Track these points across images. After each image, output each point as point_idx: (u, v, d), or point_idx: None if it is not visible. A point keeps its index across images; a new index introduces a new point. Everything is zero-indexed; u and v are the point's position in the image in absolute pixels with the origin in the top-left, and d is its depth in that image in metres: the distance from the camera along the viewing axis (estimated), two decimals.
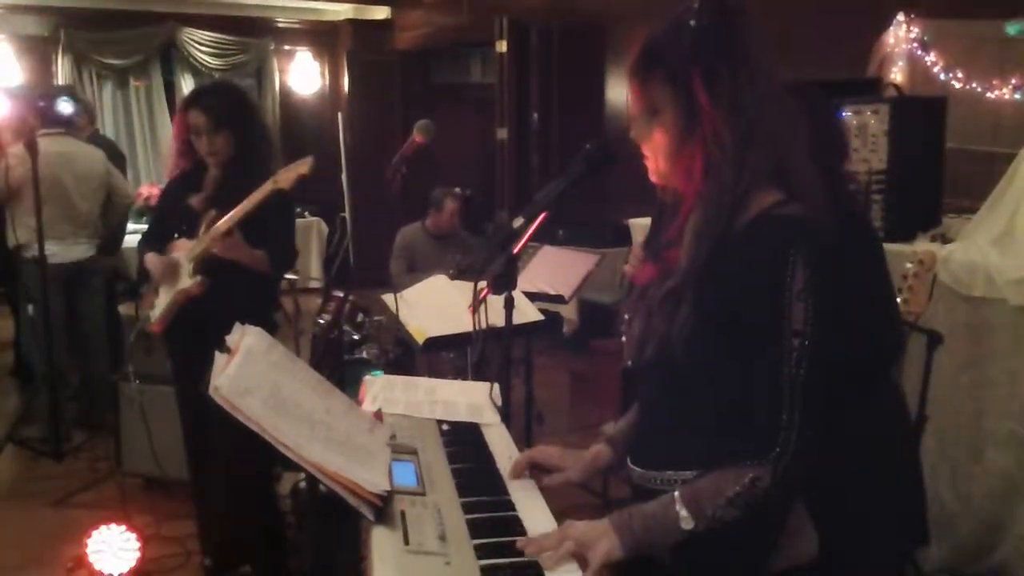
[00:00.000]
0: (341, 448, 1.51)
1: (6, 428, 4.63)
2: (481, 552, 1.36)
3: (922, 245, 3.28)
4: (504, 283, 1.83)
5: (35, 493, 4.18)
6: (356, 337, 4.56)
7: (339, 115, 7.13)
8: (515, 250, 1.79)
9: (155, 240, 3.14)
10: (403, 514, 1.41)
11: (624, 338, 1.52)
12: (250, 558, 3.24)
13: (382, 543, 1.34)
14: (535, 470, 1.67)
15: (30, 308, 4.79)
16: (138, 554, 3.18)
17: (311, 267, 8.44)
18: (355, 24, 9.63)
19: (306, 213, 8.45)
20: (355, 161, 5.86)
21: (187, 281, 2.97)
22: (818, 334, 1.31)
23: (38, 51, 8.49)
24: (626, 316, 1.52)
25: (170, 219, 3.12)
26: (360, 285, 4.39)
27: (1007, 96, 4.10)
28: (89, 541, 3.14)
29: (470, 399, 1.99)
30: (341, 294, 4.33)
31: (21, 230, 4.59)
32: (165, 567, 3.43)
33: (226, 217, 2.87)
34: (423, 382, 2.09)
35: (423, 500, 1.48)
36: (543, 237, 3.48)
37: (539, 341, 4.21)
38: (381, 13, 9.54)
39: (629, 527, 1.36)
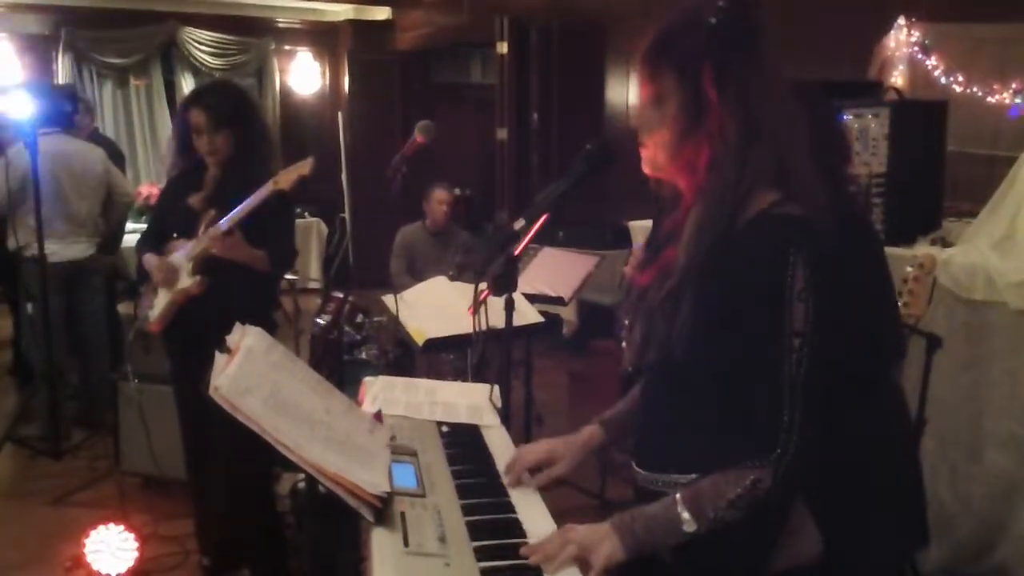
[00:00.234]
0: (341, 449, 1.50)
1: (5, 427, 4.63)
2: (481, 554, 1.35)
3: (922, 248, 3.28)
4: (504, 284, 1.83)
5: (34, 492, 4.18)
6: (356, 338, 4.56)
7: (339, 115, 7.13)
8: (516, 252, 1.79)
9: (154, 240, 3.14)
10: (403, 515, 1.41)
11: (624, 343, 1.52)
12: (249, 558, 3.23)
13: (382, 544, 1.34)
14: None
15: (29, 307, 4.79)
16: (136, 554, 3.17)
17: (311, 267, 8.44)
18: (355, 24, 9.64)
19: (306, 213, 8.45)
20: (355, 161, 5.86)
21: (186, 281, 2.97)
22: (819, 334, 1.31)
23: (38, 50, 8.49)
24: (626, 321, 1.52)
25: (169, 219, 3.12)
26: (360, 285, 4.38)
27: (1008, 100, 4.10)
28: (87, 541, 3.14)
29: (470, 401, 1.99)
30: (341, 295, 4.33)
31: (22, 231, 4.60)
32: (163, 567, 3.42)
33: (226, 217, 2.87)
34: (423, 383, 2.09)
35: (423, 502, 1.48)
36: (543, 238, 3.47)
37: (538, 342, 4.21)
38: (381, 13, 9.54)
39: (631, 529, 1.36)
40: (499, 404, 1.97)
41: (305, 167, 2.83)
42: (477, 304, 1.84)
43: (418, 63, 9.38)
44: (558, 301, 3.83)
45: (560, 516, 1.50)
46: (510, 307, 2.03)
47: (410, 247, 5.28)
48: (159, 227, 3.17)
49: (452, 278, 3.85)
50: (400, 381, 2.08)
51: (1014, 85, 4.07)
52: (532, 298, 3.51)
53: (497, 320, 1.97)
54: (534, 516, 1.51)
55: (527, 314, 3.21)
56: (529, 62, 7.25)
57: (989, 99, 4.15)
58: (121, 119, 9.05)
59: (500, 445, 1.81)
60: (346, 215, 5.65)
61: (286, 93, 9.84)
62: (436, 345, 3.11)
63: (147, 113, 9.19)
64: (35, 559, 3.55)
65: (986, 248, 3.11)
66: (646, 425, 1.56)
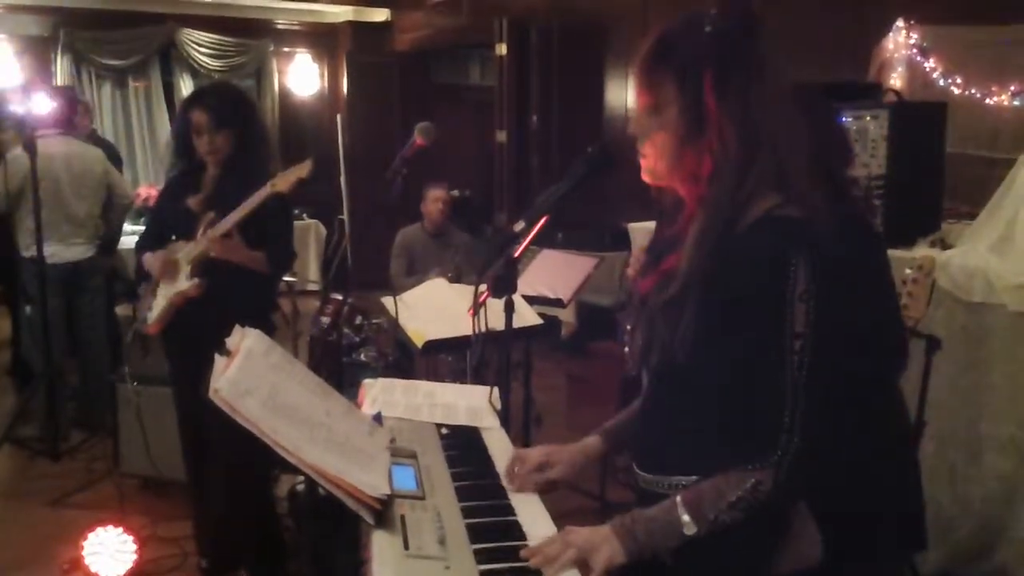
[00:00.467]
0: (340, 451, 1.50)
1: (3, 427, 4.62)
2: (481, 556, 1.35)
3: (921, 250, 3.28)
4: (504, 286, 1.83)
5: (32, 493, 4.17)
6: (355, 340, 4.56)
7: (338, 117, 7.13)
8: (516, 254, 1.79)
9: (153, 241, 3.14)
10: (403, 518, 1.41)
11: (627, 348, 1.52)
12: (247, 560, 3.23)
13: (382, 547, 1.34)
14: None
15: (28, 308, 4.78)
16: (135, 556, 3.17)
17: (309, 269, 8.43)
18: (354, 26, 9.64)
19: (304, 215, 8.45)
20: (354, 163, 5.87)
21: (184, 283, 2.97)
22: (820, 336, 1.31)
23: (37, 51, 8.48)
24: (628, 327, 1.52)
25: (168, 220, 3.12)
26: (359, 287, 4.38)
27: (1006, 102, 4.10)
28: (86, 542, 3.14)
29: (469, 403, 1.99)
30: (340, 296, 4.33)
31: (22, 233, 4.59)
32: (162, 568, 3.42)
33: (225, 219, 2.87)
34: (422, 385, 2.09)
35: (423, 504, 1.48)
36: (542, 240, 3.47)
37: (537, 344, 4.20)
38: (380, 15, 9.55)
39: (631, 532, 1.36)
40: (499, 406, 1.97)
41: (303, 169, 2.83)
42: (477, 306, 1.84)
43: (417, 65, 9.38)
44: (557, 303, 3.83)
45: (560, 518, 1.50)
46: (510, 309, 2.03)
47: (409, 249, 5.28)
48: (158, 229, 3.17)
49: (451, 280, 3.86)
50: (399, 383, 2.08)
51: (1012, 87, 4.07)
52: (531, 300, 3.51)
53: (496, 322, 1.97)
54: (534, 518, 1.51)
55: (526, 316, 3.21)
56: (528, 64, 7.26)
57: (988, 101, 4.16)
58: (120, 121, 9.05)
59: (500, 447, 1.81)
60: (345, 217, 5.65)
61: (285, 95, 9.83)
62: (435, 347, 3.11)
63: (146, 115, 9.19)
64: (33, 560, 3.54)
65: (985, 250, 3.12)
66: (648, 428, 1.56)
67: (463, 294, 3.19)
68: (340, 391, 1.77)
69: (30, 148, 4.31)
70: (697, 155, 1.36)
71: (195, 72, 9.18)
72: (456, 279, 4.17)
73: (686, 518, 1.33)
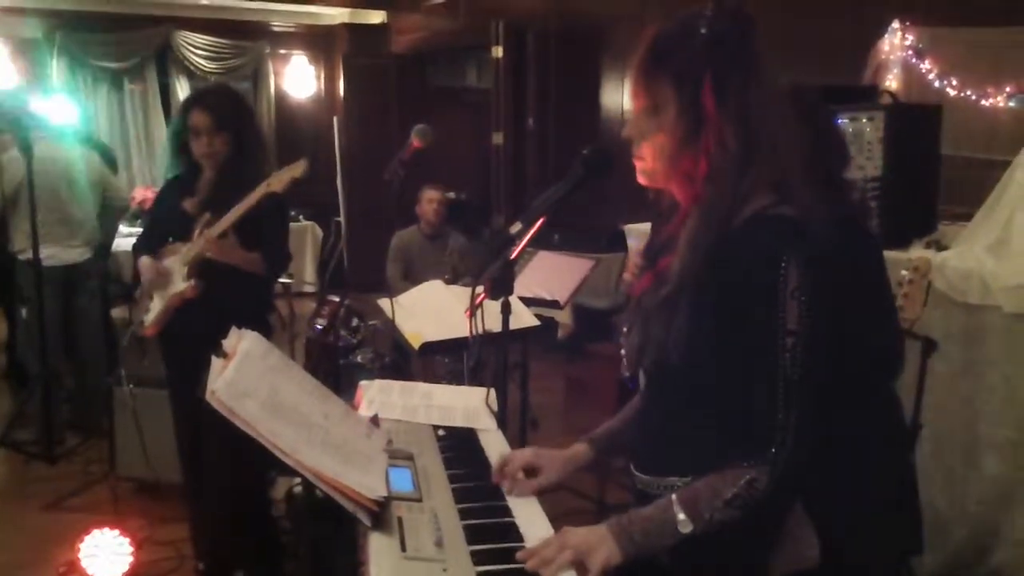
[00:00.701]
0: (338, 453, 1.50)
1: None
2: (478, 558, 1.35)
3: (917, 252, 3.29)
4: (501, 288, 1.83)
5: (28, 496, 4.17)
6: (352, 341, 4.55)
7: (335, 119, 7.12)
8: (512, 255, 1.79)
9: (149, 244, 3.13)
10: (400, 520, 1.41)
11: (623, 350, 1.52)
12: (244, 563, 3.22)
13: (379, 549, 1.34)
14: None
15: (24, 311, 4.77)
16: (131, 558, 3.16)
17: (306, 271, 8.43)
18: (351, 28, 9.64)
19: (301, 217, 8.44)
20: (350, 165, 5.87)
21: (181, 284, 2.97)
22: (813, 334, 1.31)
23: (33, 53, 8.47)
24: (624, 328, 1.52)
25: (164, 223, 3.12)
26: (355, 289, 4.38)
27: (1002, 103, 4.11)
28: (82, 545, 3.13)
29: (466, 404, 1.99)
30: (337, 298, 4.33)
31: (19, 236, 4.59)
32: (158, 571, 3.41)
33: (221, 220, 2.86)
34: (419, 387, 2.09)
35: (420, 506, 1.48)
36: (539, 242, 3.47)
37: (534, 345, 4.20)
38: (377, 17, 9.55)
39: (627, 532, 1.36)
40: (495, 408, 1.97)
41: (298, 169, 2.83)
42: (474, 307, 1.84)
43: (414, 67, 9.38)
44: (554, 304, 3.83)
45: (557, 520, 1.50)
46: (507, 310, 2.03)
47: (406, 251, 5.28)
48: (155, 231, 3.17)
49: (448, 281, 3.86)
50: (396, 385, 2.07)
51: (1008, 88, 4.08)
52: (528, 301, 3.51)
53: (493, 323, 1.97)
54: (531, 520, 1.51)
55: (523, 317, 3.21)
56: (525, 66, 7.26)
57: (983, 102, 4.17)
58: (116, 123, 9.03)
59: (497, 449, 1.81)
60: (341, 219, 5.65)
61: (281, 97, 9.83)
62: (432, 349, 3.11)
63: (142, 117, 9.18)
64: (29, 563, 3.53)
65: (981, 251, 3.12)
66: (644, 429, 1.57)
67: (460, 296, 3.19)
68: (337, 393, 1.77)
69: (26, 150, 4.31)
70: (694, 156, 1.37)
71: (191, 74, 9.17)
72: (453, 280, 4.17)
73: (682, 516, 1.34)
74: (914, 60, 4.43)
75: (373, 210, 5.08)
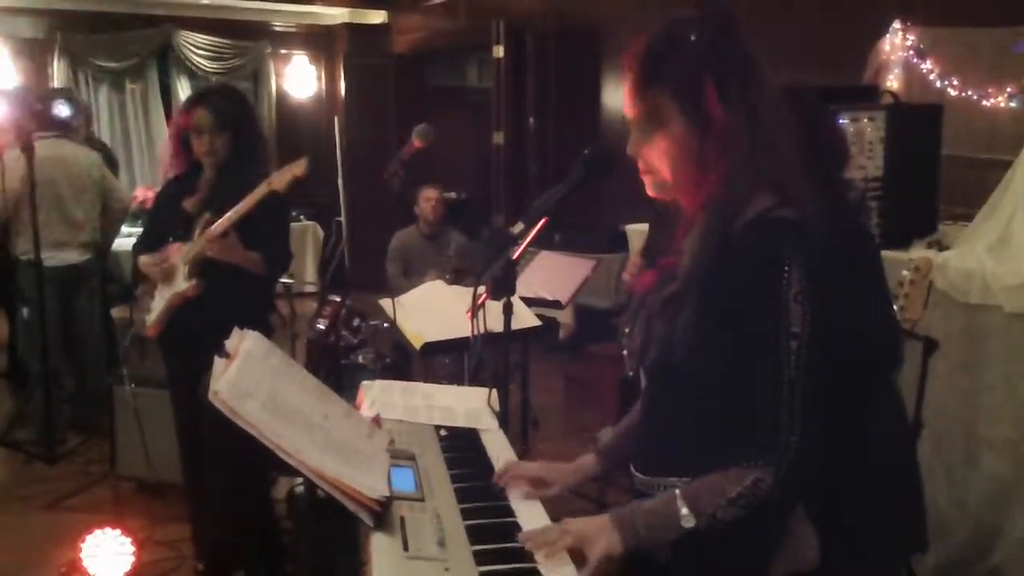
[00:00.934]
0: (340, 453, 1.50)
1: (0, 431, 4.62)
2: (480, 558, 1.36)
3: (918, 252, 3.29)
4: (503, 288, 1.83)
5: (28, 496, 4.17)
6: (353, 341, 4.55)
7: (335, 119, 7.12)
8: (514, 256, 1.79)
9: (150, 243, 3.13)
10: (402, 520, 1.41)
11: (625, 351, 1.52)
12: (245, 563, 3.23)
13: (381, 549, 1.34)
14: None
15: (25, 311, 4.77)
16: (132, 558, 3.16)
17: (307, 271, 8.43)
18: (351, 28, 9.63)
19: (302, 216, 8.44)
20: (351, 165, 5.84)
21: (182, 284, 2.97)
22: (815, 336, 1.31)
23: (34, 53, 8.46)
24: (626, 330, 1.52)
25: (165, 222, 3.12)
26: (356, 289, 4.38)
27: (1003, 103, 4.11)
28: (83, 545, 3.13)
29: (468, 404, 1.99)
30: (338, 298, 4.33)
31: (20, 237, 4.58)
32: (159, 571, 3.41)
33: (222, 219, 2.86)
34: (421, 387, 2.09)
35: (422, 506, 1.48)
36: (540, 242, 3.48)
37: (535, 345, 4.20)
38: (377, 17, 9.55)
39: (630, 523, 1.37)
40: (497, 408, 1.97)
41: (299, 167, 2.83)
42: (476, 307, 1.84)
43: (414, 67, 9.38)
44: (555, 305, 3.83)
45: (558, 520, 1.50)
46: (508, 311, 2.03)
47: (405, 251, 5.28)
48: (155, 230, 3.17)
49: (449, 281, 3.86)
50: (398, 385, 2.08)
51: (1009, 88, 4.08)
52: (529, 302, 3.51)
53: (495, 323, 1.98)
54: (533, 520, 1.51)
55: (524, 318, 3.22)
56: (525, 66, 7.26)
57: (984, 102, 4.16)
58: (117, 123, 9.03)
59: (498, 449, 1.81)
60: (342, 218, 5.65)
61: (282, 97, 9.83)
62: (434, 348, 3.11)
63: (143, 117, 9.17)
64: (30, 564, 3.54)
65: (982, 252, 3.12)
66: (645, 430, 1.57)
67: (461, 296, 3.19)
68: (338, 393, 1.78)
69: (27, 150, 4.31)
70: (704, 162, 1.36)
71: (192, 74, 9.17)
72: (454, 280, 4.17)
73: (685, 511, 1.34)
74: (915, 60, 4.43)
75: (374, 210, 5.07)
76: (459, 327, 2.98)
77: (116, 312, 5.25)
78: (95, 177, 4.87)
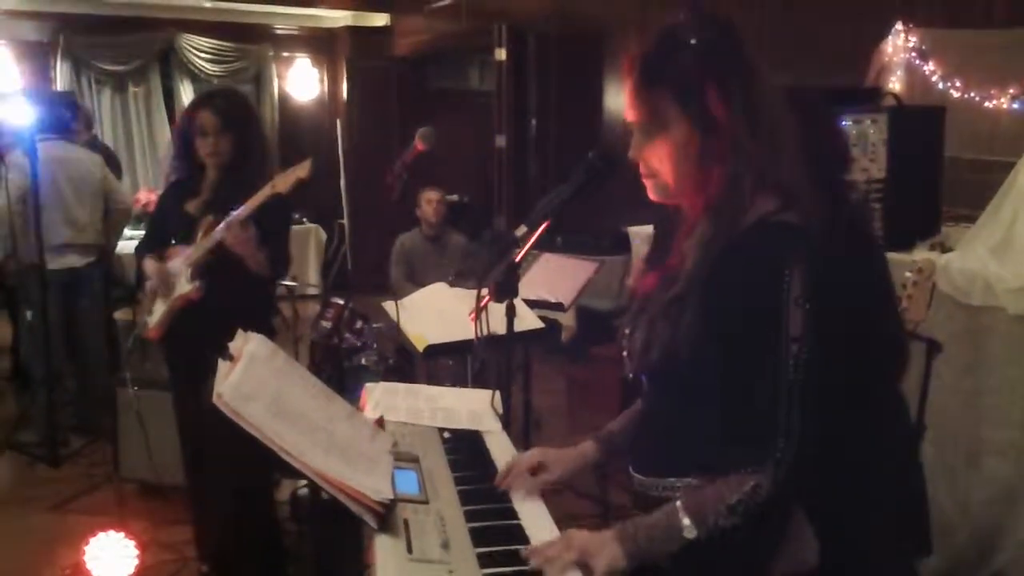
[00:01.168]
0: (343, 455, 1.51)
1: (3, 433, 4.62)
2: (484, 560, 1.36)
3: (921, 253, 3.29)
4: (506, 290, 1.83)
5: (32, 498, 4.17)
6: (356, 344, 4.55)
7: (337, 121, 7.12)
8: (517, 258, 1.79)
9: (153, 246, 3.14)
10: (406, 522, 1.41)
11: (625, 352, 1.52)
12: (247, 565, 3.22)
13: (385, 551, 1.34)
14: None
15: (28, 314, 4.78)
16: (136, 561, 3.17)
17: (309, 273, 8.43)
18: (354, 31, 9.64)
19: (304, 219, 8.45)
20: (353, 167, 5.85)
21: (185, 286, 2.97)
22: (816, 340, 1.32)
23: (37, 56, 8.48)
24: (626, 331, 1.52)
25: (167, 224, 3.12)
26: (359, 291, 4.38)
27: (1005, 105, 4.11)
28: (87, 548, 3.13)
29: (471, 406, 1.99)
30: (341, 301, 4.33)
31: (24, 238, 4.59)
32: (162, 573, 3.42)
33: (242, 208, 2.84)
34: (424, 389, 2.09)
35: (426, 508, 1.48)
36: (542, 245, 3.48)
37: (537, 348, 4.20)
38: (380, 20, 9.55)
39: (633, 537, 1.37)
40: (500, 410, 1.97)
41: (303, 170, 2.83)
42: (478, 310, 1.84)
43: (416, 69, 9.38)
44: (558, 307, 3.83)
45: (562, 522, 1.50)
46: (511, 313, 2.03)
47: (408, 254, 5.29)
48: (157, 233, 3.17)
49: (452, 284, 3.85)
50: (401, 387, 2.08)
51: (1011, 90, 4.08)
52: (532, 304, 3.51)
53: (497, 326, 1.98)
54: (537, 522, 1.51)
55: (527, 320, 3.21)
56: (527, 69, 7.26)
57: (987, 104, 4.16)
58: (119, 126, 9.05)
59: (502, 451, 1.81)
60: (345, 221, 5.65)
61: (284, 99, 9.84)
62: (437, 351, 3.11)
63: (145, 120, 9.19)
64: (34, 566, 3.54)
65: (984, 253, 3.12)
66: (644, 430, 1.57)
67: (464, 298, 3.19)
68: (341, 395, 1.78)
69: (31, 153, 4.32)
70: (708, 164, 1.37)
71: (195, 77, 9.19)
72: (457, 282, 4.17)
73: (687, 522, 1.34)
74: (917, 62, 4.43)
75: (376, 212, 5.08)
76: (462, 329, 2.98)
77: (119, 315, 5.27)
78: (97, 179, 4.88)
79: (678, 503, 1.36)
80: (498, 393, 2.00)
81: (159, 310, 3.06)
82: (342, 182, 5.66)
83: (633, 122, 1.43)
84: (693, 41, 1.37)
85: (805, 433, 1.31)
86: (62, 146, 4.78)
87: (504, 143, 7.40)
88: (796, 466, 1.31)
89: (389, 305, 3.20)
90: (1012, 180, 3.18)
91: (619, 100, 6.89)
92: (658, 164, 1.42)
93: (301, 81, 9.91)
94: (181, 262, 3.01)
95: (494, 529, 1.47)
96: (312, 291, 7.93)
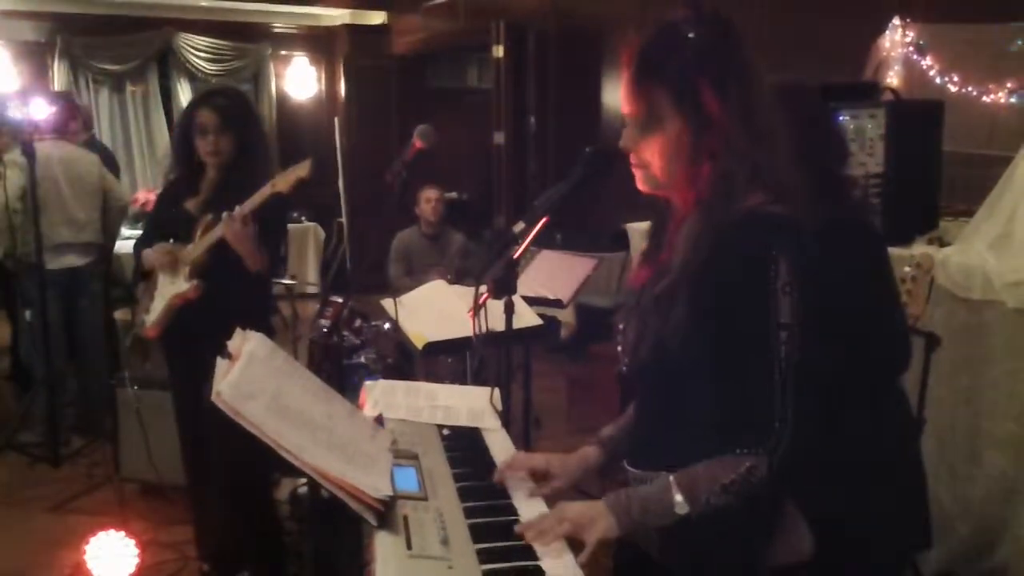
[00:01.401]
0: (343, 453, 1.51)
1: (4, 433, 4.62)
2: (484, 556, 1.36)
3: (920, 248, 3.29)
4: (504, 288, 1.83)
5: (32, 498, 4.17)
6: (356, 342, 4.56)
7: (336, 120, 7.12)
8: (515, 255, 1.79)
9: (151, 244, 3.13)
10: (405, 519, 1.41)
11: (619, 347, 1.53)
12: (248, 564, 3.23)
13: (385, 548, 1.34)
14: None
15: (28, 313, 4.78)
16: (137, 560, 3.17)
17: (309, 272, 8.43)
18: (352, 29, 9.64)
19: (303, 218, 8.45)
20: (352, 166, 5.86)
21: (183, 285, 2.97)
22: (806, 327, 1.33)
23: (34, 57, 8.49)
24: (620, 325, 1.53)
25: (166, 223, 3.12)
26: (358, 290, 4.39)
27: (1003, 99, 4.11)
28: (88, 547, 3.14)
29: (471, 404, 1.99)
30: (340, 299, 4.33)
31: (23, 238, 4.59)
32: (163, 573, 3.42)
33: (245, 203, 2.84)
34: (423, 387, 2.09)
35: (425, 505, 1.48)
36: (541, 242, 3.48)
37: (536, 345, 4.20)
38: (378, 18, 9.55)
39: (625, 508, 1.39)
40: (500, 407, 1.97)
41: (303, 169, 2.83)
42: (477, 307, 1.84)
43: (415, 67, 9.38)
44: (557, 304, 3.83)
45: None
46: (510, 310, 2.04)
47: (407, 251, 5.29)
48: (156, 231, 3.17)
49: (451, 281, 3.86)
50: (400, 385, 2.08)
51: (1009, 84, 4.08)
52: (531, 301, 3.51)
53: (496, 323, 1.98)
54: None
55: (526, 317, 3.22)
56: (526, 66, 7.26)
57: (984, 99, 4.16)
58: (117, 125, 9.05)
59: (501, 448, 1.81)
60: (343, 219, 5.65)
61: (282, 98, 9.84)
62: (436, 349, 3.11)
63: (143, 119, 9.19)
64: (35, 566, 3.54)
65: (983, 248, 3.12)
66: (639, 424, 1.59)
67: (463, 296, 3.19)
68: (340, 394, 1.78)
69: (29, 153, 4.32)
70: (699, 159, 1.38)
71: (192, 76, 9.18)
72: (456, 280, 4.17)
73: (679, 498, 1.35)
74: (915, 57, 4.43)
75: (375, 211, 5.09)
76: (461, 327, 2.98)
77: (119, 314, 5.27)
78: (95, 178, 4.88)
79: (672, 479, 1.37)
80: (497, 390, 2.00)
81: (156, 308, 3.06)
82: (340, 181, 5.66)
83: (627, 113, 1.44)
84: (691, 36, 1.37)
85: (800, 418, 1.33)
86: (60, 146, 4.78)
87: (503, 141, 7.40)
88: (792, 450, 1.32)
89: (388, 303, 3.21)
90: (1010, 174, 3.18)
91: (618, 97, 6.82)
92: (650, 156, 1.43)
93: (299, 80, 9.91)
94: (180, 261, 3.00)
95: (494, 525, 1.47)
96: (311, 290, 7.94)
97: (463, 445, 1.81)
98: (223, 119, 2.95)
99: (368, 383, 2.06)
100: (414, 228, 5.36)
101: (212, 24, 9.19)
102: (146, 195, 7.21)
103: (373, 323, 4.68)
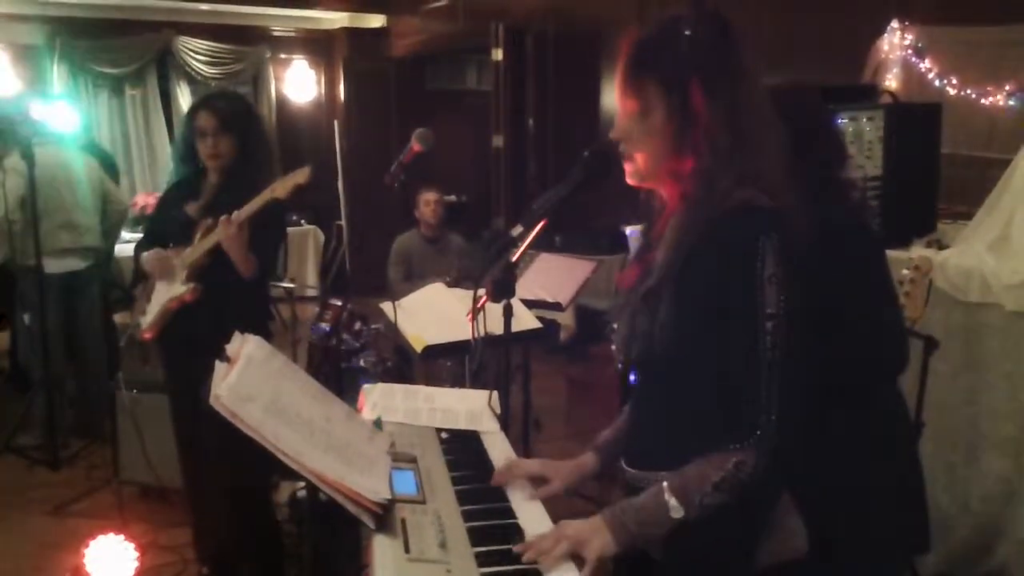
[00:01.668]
0: (341, 456, 1.51)
1: (3, 436, 4.62)
2: (482, 559, 1.36)
3: (918, 251, 3.29)
4: (503, 291, 1.83)
5: (32, 501, 4.17)
6: (355, 345, 4.56)
7: (335, 123, 7.12)
8: (514, 258, 1.79)
9: (151, 247, 3.13)
10: (404, 522, 1.41)
11: (613, 345, 1.54)
12: (247, 567, 3.23)
13: (383, 551, 1.34)
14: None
15: (26, 317, 4.78)
16: (136, 563, 3.17)
17: (308, 275, 8.43)
18: (351, 32, 9.65)
19: (302, 221, 8.44)
20: (351, 169, 5.85)
21: (180, 288, 2.97)
22: (792, 318, 1.34)
23: (34, 60, 8.48)
24: (613, 325, 1.54)
25: (166, 227, 3.12)
26: (357, 293, 4.38)
27: (1001, 102, 4.11)
28: (87, 551, 3.13)
29: (469, 407, 1.99)
30: (339, 302, 4.33)
31: (23, 242, 4.58)
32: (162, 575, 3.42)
33: (243, 208, 2.84)
34: (422, 390, 2.09)
35: (423, 508, 1.48)
36: (540, 244, 3.48)
37: (536, 348, 4.20)
38: (376, 21, 9.56)
39: (622, 522, 1.39)
40: (498, 410, 1.98)
41: (302, 176, 2.84)
42: (476, 310, 1.85)
43: (414, 70, 9.39)
44: (556, 307, 3.83)
45: (559, 520, 1.50)
46: (509, 313, 2.04)
47: (406, 255, 5.29)
48: (156, 234, 3.17)
49: (450, 284, 3.86)
50: (399, 388, 2.08)
51: (1008, 86, 4.08)
52: (530, 304, 3.51)
53: (496, 326, 1.98)
54: (534, 521, 1.52)
55: (525, 320, 3.22)
56: (525, 69, 7.26)
57: (983, 101, 4.17)
58: (117, 129, 9.03)
59: (500, 451, 1.82)
60: (343, 222, 5.66)
61: (282, 101, 9.84)
62: (435, 352, 3.11)
63: (143, 122, 9.17)
64: (34, 569, 3.54)
65: (981, 250, 3.12)
66: (634, 424, 1.59)
67: (462, 299, 3.19)
68: (339, 397, 1.78)
69: (28, 157, 4.32)
70: (683, 156, 1.40)
71: (192, 79, 9.17)
72: (455, 283, 4.17)
73: (673, 503, 1.36)
74: (913, 59, 4.43)
75: (374, 213, 5.08)
76: (460, 330, 2.98)
77: (118, 317, 5.27)
78: (94, 182, 4.88)
79: (664, 484, 1.38)
80: (496, 393, 2.00)
81: (152, 311, 3.06)
82: (340, 184, 5.66)
83: (620, 103, 1.46)
84: (688, 33, 1.39)
85: (787, 409, 1.33)
86: (59, 150, 4.78)
87: (502, 143, 7.40)
88: (780, 442, 1.33)
89: (387, 306, 3.21)
90: (1009, 176, 3.19)
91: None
92: (637, 149, 1.45)
93: (298, 83, 9.91)
94: (177, 263, 3.00)
95: (492, 528, 1.47)
96: (311, 293, 7.93)
97: (462, 448, 1.82)
98: (221, 122, 2.95)
99: (367, 386, 2.06)
100: (414, 231, 5.36)
101: (211, 27, 9.19)
102: (145, 198, 7.21)
103: (372, 326, 4.68)
